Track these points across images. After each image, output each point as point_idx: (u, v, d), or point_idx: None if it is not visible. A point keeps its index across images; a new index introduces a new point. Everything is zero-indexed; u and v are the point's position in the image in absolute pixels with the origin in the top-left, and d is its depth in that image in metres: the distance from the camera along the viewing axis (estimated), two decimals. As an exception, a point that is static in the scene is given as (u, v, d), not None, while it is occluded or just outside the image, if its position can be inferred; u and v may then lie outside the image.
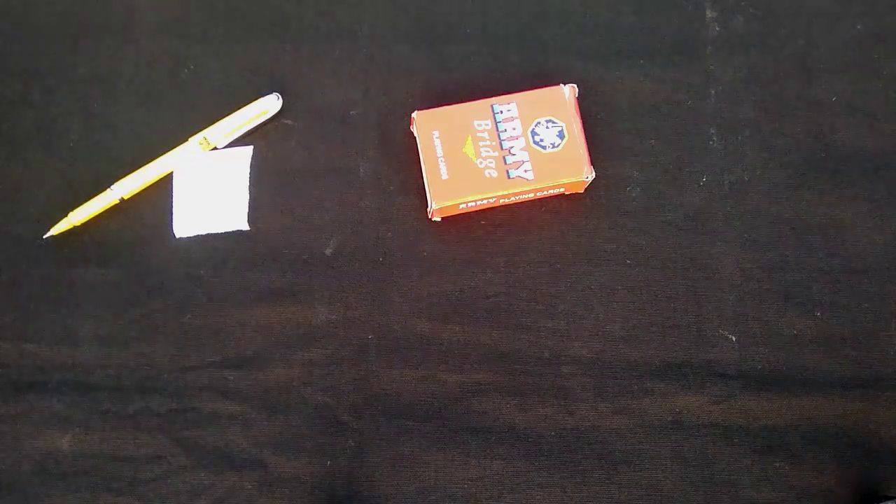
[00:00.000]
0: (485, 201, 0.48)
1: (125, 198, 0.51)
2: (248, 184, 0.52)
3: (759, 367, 0.47)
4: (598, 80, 0.52)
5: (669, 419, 0.46)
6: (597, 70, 0.53)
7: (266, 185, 0.52)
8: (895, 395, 0.47)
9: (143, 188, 0.51)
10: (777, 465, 0.46)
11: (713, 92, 0.52)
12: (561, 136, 0.48)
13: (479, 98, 0.49)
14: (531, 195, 0.49)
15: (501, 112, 0.48)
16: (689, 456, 0.46)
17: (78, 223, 0.51)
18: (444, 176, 0.48)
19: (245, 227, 0.51)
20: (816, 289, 0.49)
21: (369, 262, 0.50)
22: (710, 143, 0.51)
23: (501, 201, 0.49)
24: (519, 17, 0.54)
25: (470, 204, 0.48)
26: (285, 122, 0.53)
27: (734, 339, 0.48)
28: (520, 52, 0.53)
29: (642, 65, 0.53)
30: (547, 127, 0.48)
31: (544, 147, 0.48)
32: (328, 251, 0.50)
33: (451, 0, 0.54)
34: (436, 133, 0.48)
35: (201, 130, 0.52)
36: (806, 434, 0.46)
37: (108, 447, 0.47)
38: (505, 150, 0.48)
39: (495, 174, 0.47)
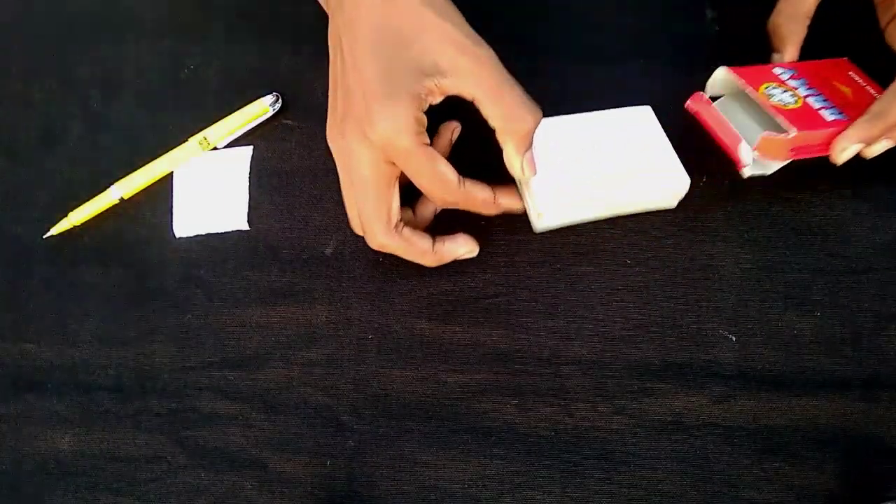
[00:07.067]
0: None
1: (125, 198, 0.51)
2: (247, 184, 0.52)
3: (759, 367, 0.47)
4: (598, 80, 0.52)
5: (669, 419, 0.46)
6: (597, 70, 0.53)
7: (266, 185, 0.52)
8: (895, 395, 0.47)
9: (143, 188, 0.51)
10: (777, 465, 0.46)
11: (713, 92, 0.52)
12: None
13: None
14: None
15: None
16: (689, 456, 0.46)
17: (78, 223, 0.51)
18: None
19: (245, 227, 0.51)
20: (816, 289, 0.49)
21: (369, 262, 0.50)
22: (710, 142, 0.51)
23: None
24: (518, 16, 0.54)
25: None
26: (285, 122, 0.53)
27: (734, 339, 0.48)
28: (519, 52, 0.53)
29: (642, 65, 0.53)
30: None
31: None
32: (328, 251, 0.50)
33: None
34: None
35: (201, 130, 0.52)
36: (806, 434, 0.46)
37: (108, 447, 0.47)
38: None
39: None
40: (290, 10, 0.55)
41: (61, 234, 0.51)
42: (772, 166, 0.47)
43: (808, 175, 0.51)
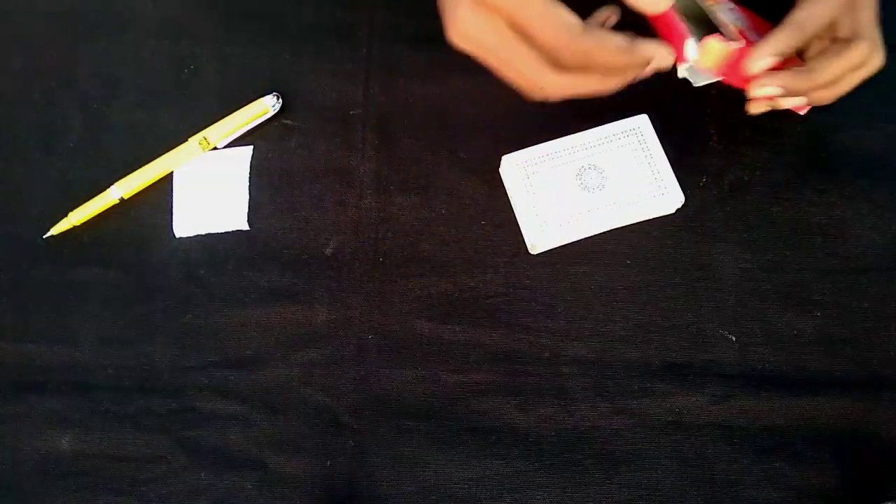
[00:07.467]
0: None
1: (125, 198, 0.51)
2: (247, 184, 0.52)
3: (759, 367, 0.47)
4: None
5: (669, 419, 0.46)
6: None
7: (266, 185, 0.52)
8: (895, 395, 0.47)
9: (143, 188, 0.51)
10: (777, 465, 0.46)
11: (713, 92, 0.52)
12: None
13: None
14: None
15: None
16: (689, 456, 0.46)
17: (78, 223, 0.51)
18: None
19: (245, 226, 0.51)
20: (816, 289, 0.49)
21: (369, 262, 0.50)
22: (710, 143, 0.51)
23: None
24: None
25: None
26: (285, 122, 0.53)
27: (734, 339, 0.48)
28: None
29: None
30: None
31: None
32: (328, 251, 0.50)
33: (451, 0, 0.54)
34: None
35: (201, 130, 0.52)
36: (806, 434, 0.46)
37: (108, 447, 0.47)
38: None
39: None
40: (290, 10, 0.55)
41: (61, 234, 0.51)
42: (700, 78, 0.46)
43: (808, 175, 0.51)
